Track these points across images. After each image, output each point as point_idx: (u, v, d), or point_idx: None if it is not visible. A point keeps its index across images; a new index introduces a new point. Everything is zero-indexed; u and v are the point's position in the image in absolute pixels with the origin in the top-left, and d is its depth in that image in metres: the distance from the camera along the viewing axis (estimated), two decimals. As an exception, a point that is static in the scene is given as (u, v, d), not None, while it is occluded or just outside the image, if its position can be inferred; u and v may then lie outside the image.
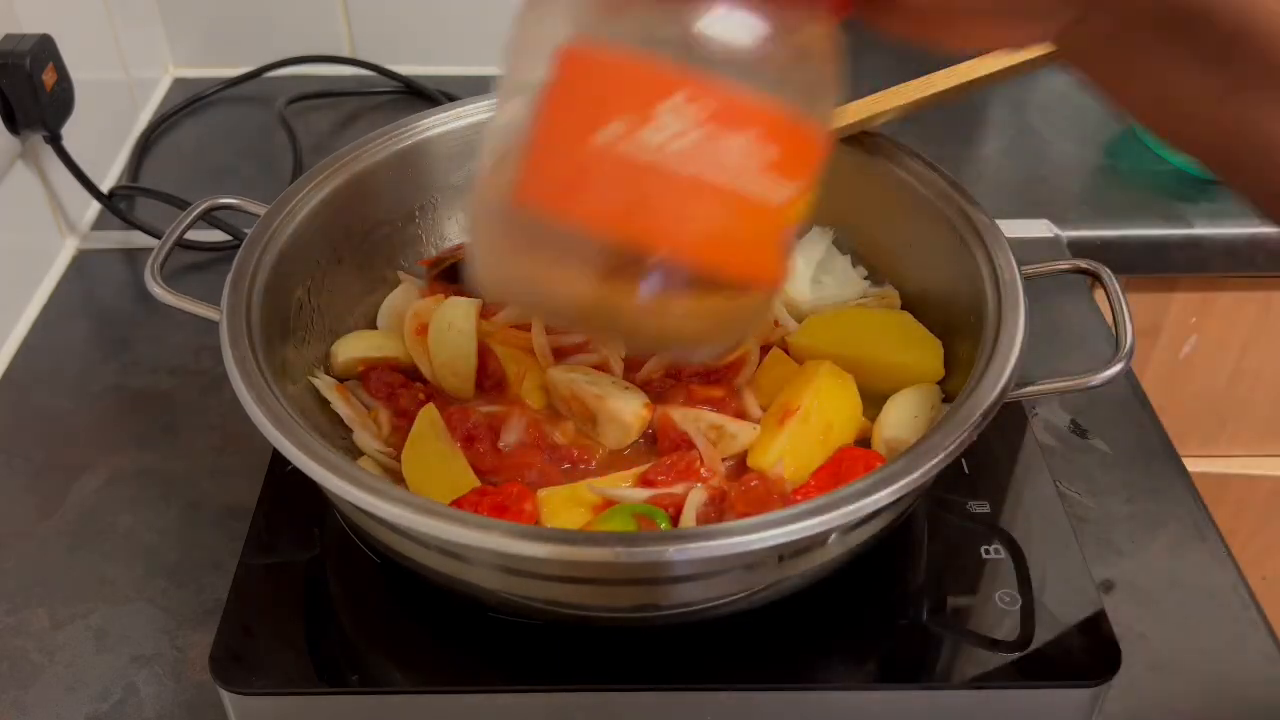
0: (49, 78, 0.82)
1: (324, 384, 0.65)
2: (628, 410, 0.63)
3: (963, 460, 0.53)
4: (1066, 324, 0.85)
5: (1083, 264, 0.65)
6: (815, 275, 0.74)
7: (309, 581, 0.61)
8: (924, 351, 0.66)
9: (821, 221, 0.75)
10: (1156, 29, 0.39)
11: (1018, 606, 0.59)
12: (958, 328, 0.65)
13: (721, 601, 0.54)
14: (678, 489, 0.60)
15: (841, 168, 0.71)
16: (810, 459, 0.61)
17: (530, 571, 0.52)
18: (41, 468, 0.73)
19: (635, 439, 0.64)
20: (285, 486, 0.64)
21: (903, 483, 0.50)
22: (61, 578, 0.66)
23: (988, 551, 0.62)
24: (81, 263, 0.90)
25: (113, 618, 0.64)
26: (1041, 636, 0.57)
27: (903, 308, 0.71)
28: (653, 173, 0.38)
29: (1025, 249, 0.64)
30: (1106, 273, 0.63)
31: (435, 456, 0.61)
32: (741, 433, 0.62)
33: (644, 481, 0.61)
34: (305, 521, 0.63)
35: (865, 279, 0.74)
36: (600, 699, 0.56)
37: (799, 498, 0.60)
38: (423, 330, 0.68)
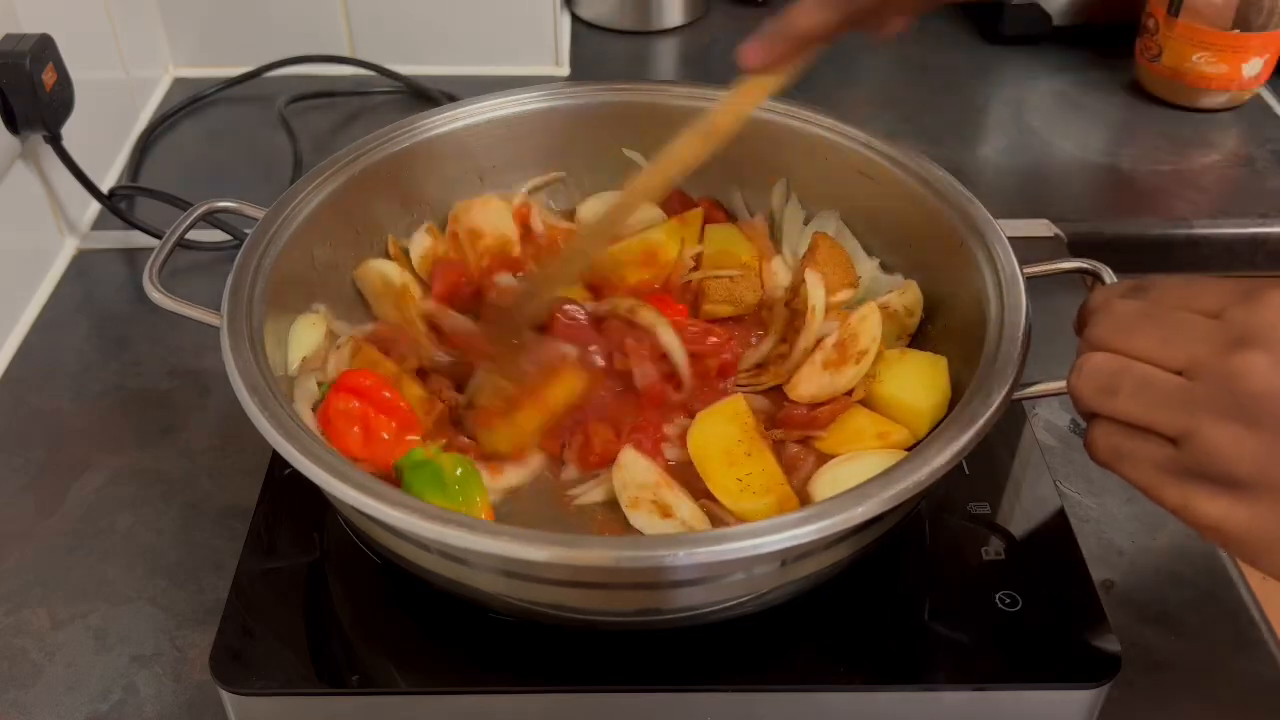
0: (49, 78, 0.81)
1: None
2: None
3: (963, 461, 0.53)
4: (1066, 324, 0.85)
5: (1083, 264, 0.64)
6: None
7: (309, 581, 0.61)
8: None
9: (824, 207, 0.75)
10: None
11: (1018, 606, 0.59)
12: (958, 328, 0.65)
13: (724, 606, 0.54)
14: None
15: (842, 168, 0.72)
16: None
17: (531, 575, 0.52)
18: (41, 468, 0.73)
19: None
20: (285, 487, 0.64)
21: (907, 484, 0.50)
22: (61, 578, 0.66)
23: (988, 552, 0.62)
24: (81, 263, 0.90)
25: (113, 618, 0.64)
26: (1041, 637, 0.57)
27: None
28: None
29: (1025, 249, 0.64)
30: (1107, 272, 0.63)
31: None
32: None
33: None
34: (305, 522, 0.63)
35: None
36: (600, 700, 0.56)
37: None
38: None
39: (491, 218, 0.74)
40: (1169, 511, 0.46)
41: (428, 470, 0.57)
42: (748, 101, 0.62)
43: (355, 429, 0.60)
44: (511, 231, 0.74)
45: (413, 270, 0.73)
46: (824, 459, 0.62)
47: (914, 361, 0.65)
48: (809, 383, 0.65)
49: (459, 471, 0.58)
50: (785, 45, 0.58)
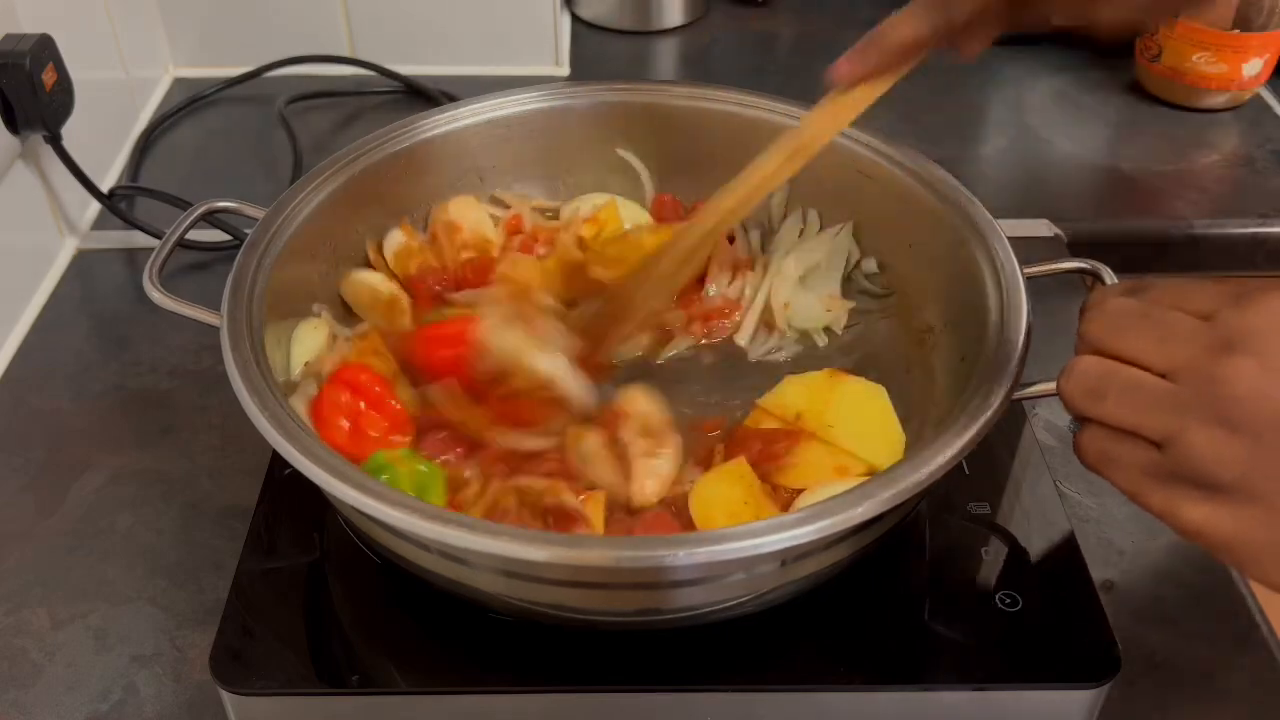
0: (49, 78, 0.81)
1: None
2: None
3: (963, 461, 0.53)
4: (1066, 324, 0.85)
5: (1083, 264, 0.64)
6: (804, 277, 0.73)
7: (309, 581, 0.61)
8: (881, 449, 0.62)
9: (832, 220, 0.75)
10: None
11: (1018, 606, 0.59)
12: (958, 328, 0.65)
13: (724, 606, 0.54)
14: None
15: (842, 169, 0.72)
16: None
17: (531, 575, 0.52)
18: (41, 468, 0.73)
19: None
20: (285, 487, 0.64)
21: (907, 484, 0.50)
22: (61, 578, 0.66)
23: (988, 552, 0.62)
24: (81, 263, 0.90)
25: (113, 618, 0.64)
26: (1042, 637, 0.57)
27: (903, 307, 0.71)
28: None
29: (1025, 249, 0.64)
30: (1107, 273, 0.63)
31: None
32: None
33: None
34: (305, 522, 0.63)
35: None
36: (600, 700, 0.56)
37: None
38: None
39: (469, 215, 0.74)
40: (1155, 516, 0.46)
41: (385, 477, 0.56)
42: (837, 118, 0.60)
43: (344, 422, 0.60)
44: (490, 230, 0.74)
45: (393, 274, 0.72)
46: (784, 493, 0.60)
47: (854, 402, 0.63)
48: None
49: (417, 482, 0.57)
50: (877, 58, 0.57)
